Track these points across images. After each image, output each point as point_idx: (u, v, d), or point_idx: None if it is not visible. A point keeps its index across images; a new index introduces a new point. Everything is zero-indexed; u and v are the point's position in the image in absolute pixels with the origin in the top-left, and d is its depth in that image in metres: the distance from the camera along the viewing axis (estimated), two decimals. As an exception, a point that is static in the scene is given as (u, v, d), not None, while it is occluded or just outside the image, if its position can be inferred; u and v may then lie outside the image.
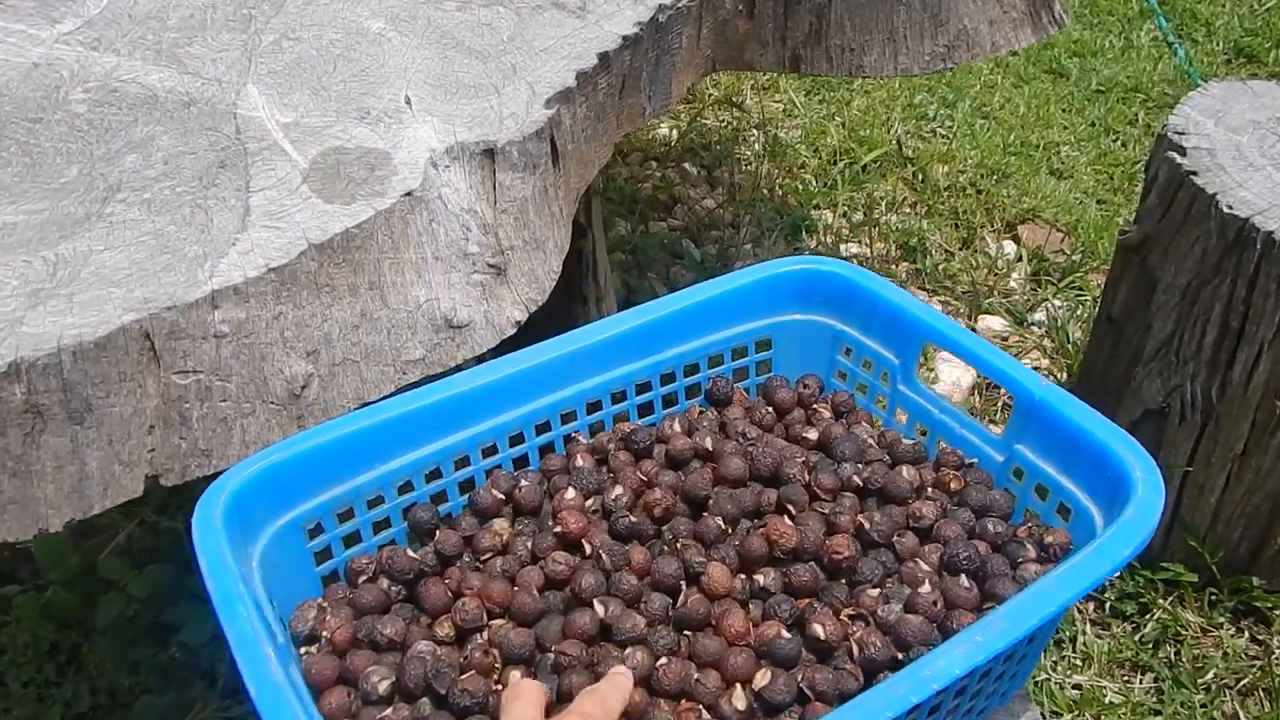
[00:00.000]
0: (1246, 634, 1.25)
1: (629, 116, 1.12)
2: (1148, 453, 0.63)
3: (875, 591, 0.64)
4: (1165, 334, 1.18)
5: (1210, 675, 1.20)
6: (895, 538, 0.68)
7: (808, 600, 0.65)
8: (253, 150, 0.92)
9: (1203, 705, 1.17)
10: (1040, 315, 1.71)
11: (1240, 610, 1.26)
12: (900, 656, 0.60)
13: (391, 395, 0.77)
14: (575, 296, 1.56)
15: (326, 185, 0.89)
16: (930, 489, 0.73)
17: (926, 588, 0.63)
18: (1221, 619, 1.25)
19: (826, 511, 0.70)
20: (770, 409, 0.81)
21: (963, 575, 0.65)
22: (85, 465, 0.78)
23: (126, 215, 0.86)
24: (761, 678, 0.58)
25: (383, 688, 0.63)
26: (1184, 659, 1.22)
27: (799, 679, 0.59)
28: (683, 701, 0.58)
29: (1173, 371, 1.18)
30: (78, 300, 0.78)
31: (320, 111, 0.95)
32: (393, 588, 0.70)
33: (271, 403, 0.83)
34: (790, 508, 0.71)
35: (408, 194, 0.87)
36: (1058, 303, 1.72)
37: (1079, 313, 1.69)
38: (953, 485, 0.72)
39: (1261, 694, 1.19)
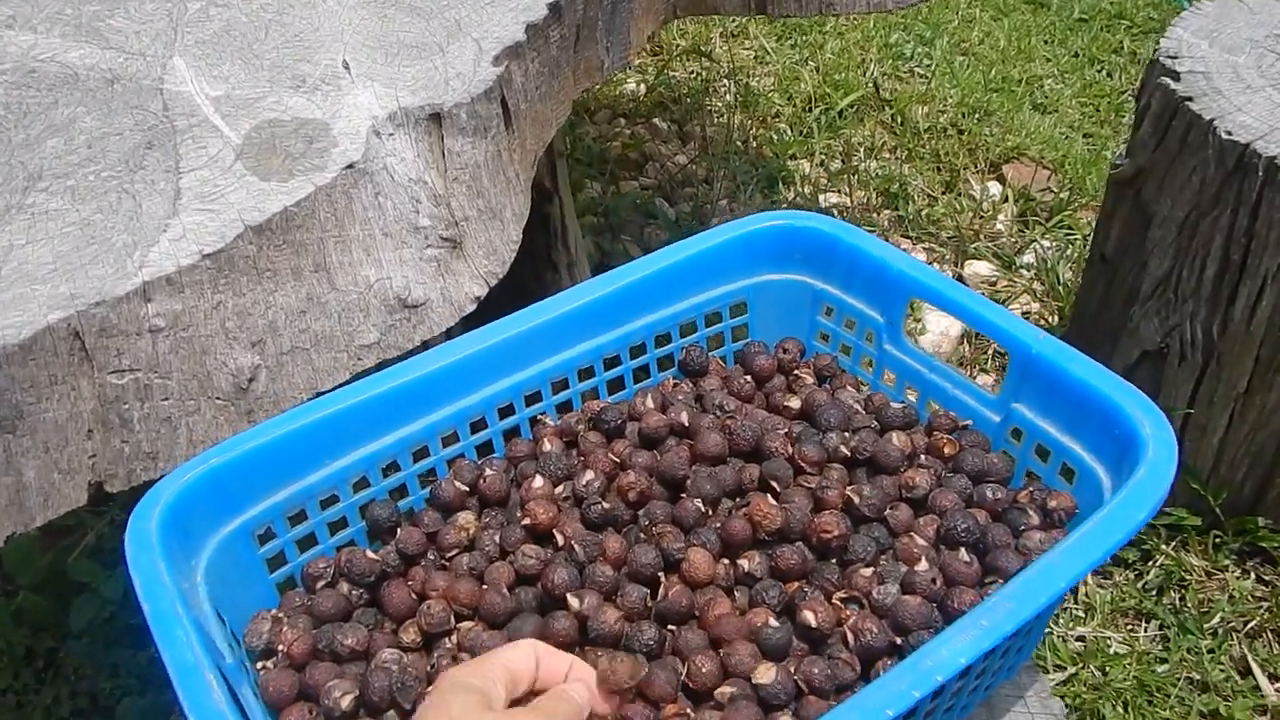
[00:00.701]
0: (1253, 575, 1.21)
1: (586, 71, 1.06)
2: (1156, 405, 0.58)
3: (869, 571, 0.60)
4: (1162, 271, 1.13)
5: (1216, 619, 1.17)
6: (888, 511, 0.64)
7: (797, 584, 0.60)
8: (181, 128, 0.86)
9: (1210, 650, 1.14)
10: (1029, 257, 1.66)
11: (1246, 551, 1.23)
12: (899, 641, 0.56)
13: (343, 384, 0.72)
14: (545, 264, 1.51)
15: (262, 162, 0.82)
16: (923, 455, 0.68)
17: (924, 565, 0.59)
18: (1227, 561, 1.22)
19: (813, 486, 0.65)
20: (749, 377, 0.76)
21: (962, 549, 0.60)
22: (21, 476, 0.73)
23: (49, 205, 0.80)
24: (764, 673, 0.53)
25: (345, 702, 0.58)
26: (1189, 604, 1.19)
27: (792, 672, 0.54)
28: (667, 708, 0.53)
29: (1171, 310, 1.13)
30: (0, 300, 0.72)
31: (252, 82, 0.88)
32: (353, 592, 0.65)
33: (217, 398, 0.77)
34: (774, 484, 0.66)
35: (349, 166, 0.81)
36: (1046, 244, 1.67)
37: (1069, 253, 1.64)
38: (947, 450, 0.68)
39: (1269, 635, 1.16)
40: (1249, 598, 1.19)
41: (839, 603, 0.58)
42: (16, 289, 0.73)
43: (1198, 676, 1.12)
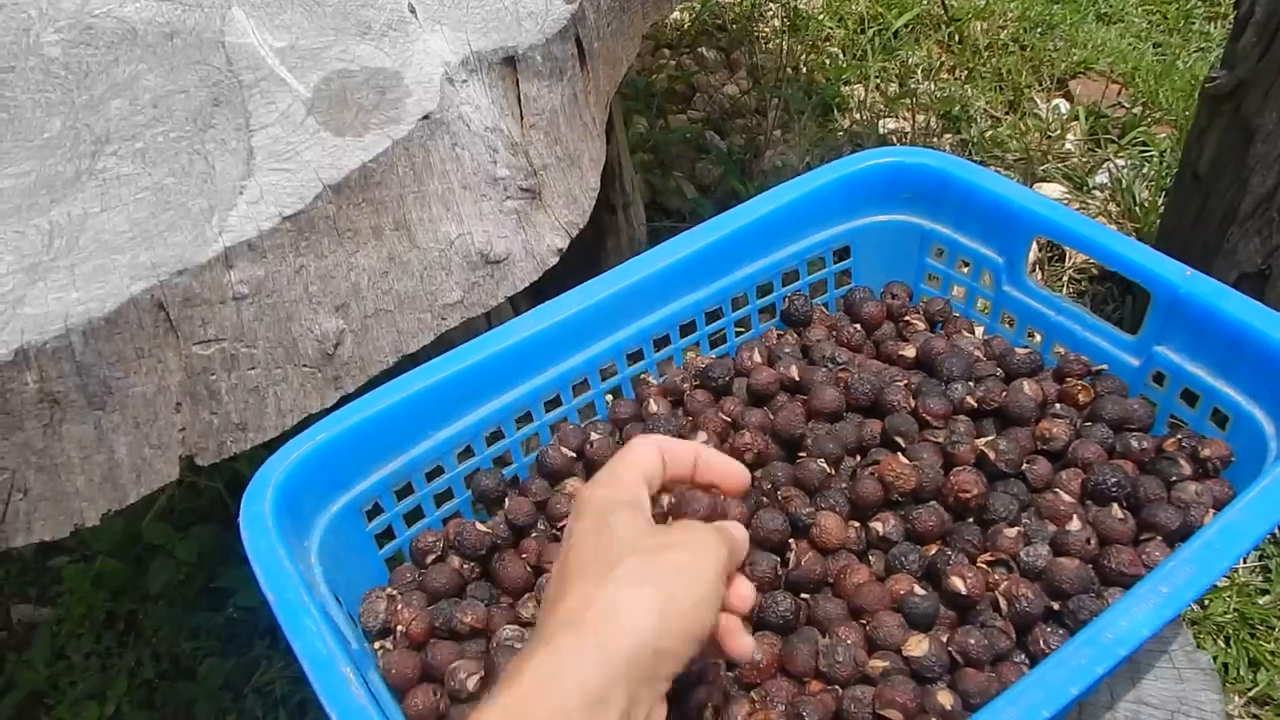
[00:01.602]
0: (1356, 502, 1.17)
1: (655, 3, 1.01)
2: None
3: (1013, 531, 0.56)
4: (1266, 189, 1.07)
5: (1321, 547, 1.13)
6: (1025, 465, 0.60)
7: (935, 547, 0.57)
8: (248, 83, 0.82)
9: (1314, 582, 1.11)
10: (1102, 177, 1.59)
11: (1349, 478, 1.19)
12: (1056, 607, 0.53)
13: (441, 353, 0.69)
14: (601, 206, 1.46)
15: (335, 116, 0.79)
16: (1056, 404, 0.64)
17: (1075, 524, 0.55)
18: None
19: (940, 440, 0.62)
20: (857, 326, 0.72)
21: (1114, 504, 0.56)
22: (114, 452, 0.71)
23: (120, 170, 0.77)
24: (915, 645, 0.50)
25: (471, 684, 0.56)
26: (1291, 534, 1.15)
27: (945, 643, 0.52)
28: (812, 683, 0.51)
29: (1275, 230, 1.08)
30: (80, 272, 0.69)
31: (316, 31, 0.84)
32: (465, 565, 0.63)
33: (304, 365, 0.75)
34: (899, 440, 0.62)
35: (425, 117, 0.77)
36: (1120, 162, 1.60)
37: (1145, 171, 1.57)
38: (1081, 397, 0.64)
39: (1378, 564, 1.13)
40: (1353, 526, 1.15)
41: (985, 566, 0.55)
42: (96, 259, 0.70)
43: (1303, 608, 1.09)
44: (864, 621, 0.54)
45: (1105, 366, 0.65)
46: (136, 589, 1.27)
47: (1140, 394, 0.64)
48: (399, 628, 0.58)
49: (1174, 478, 0.58)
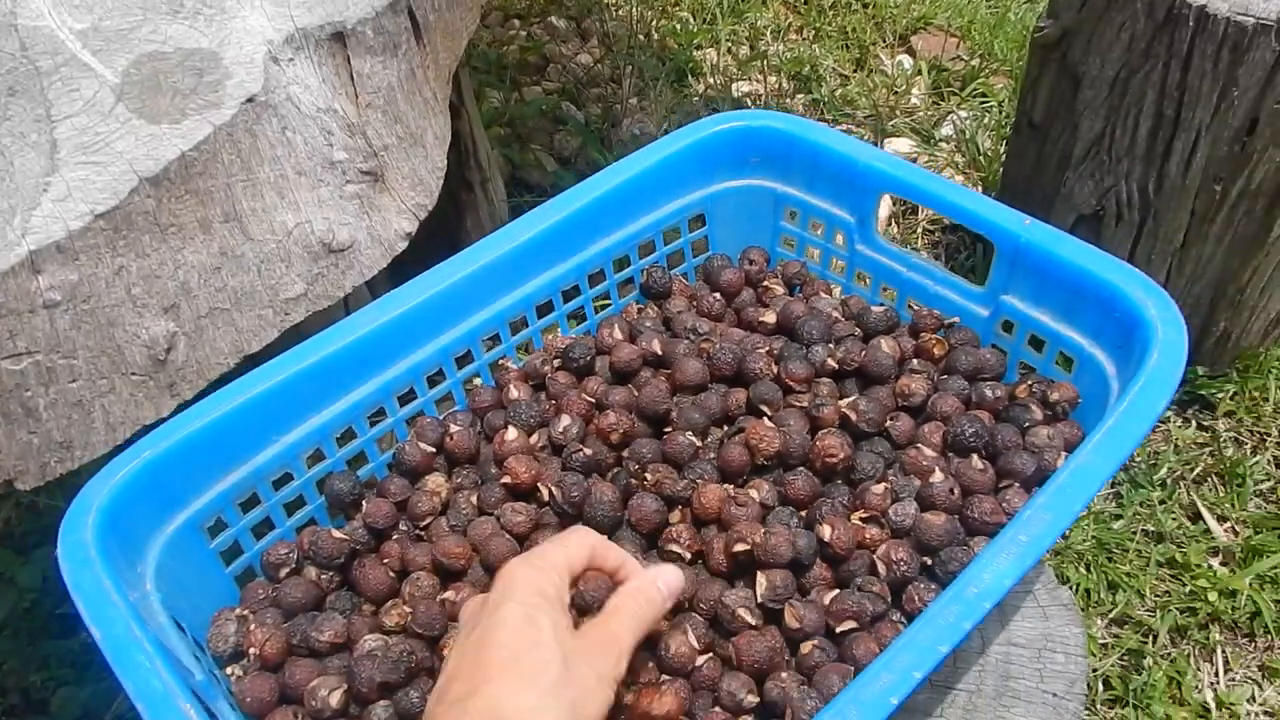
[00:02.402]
0: (1194, 423, 1.24)
1: (492, -29, 0.97)
2: (1157, 284, 0.56)
3: (880, 488, 0.57)
4: (1095, 133, 1.11)
5: (1164, 470, 1.20)
6: (888, 423, 0.61)
7: (808, 509, 0.57)
8: (46, 69, 0.75)
9: (1162, 502, 1.17)
10: (947, 129, 1.64)
11: (1185, 400, 1.26)
12: (929, 562, 0.53)
13: (284, 350, 0.65)
14: (459, 184, 1.42)
15: (148, 102, 0.73)
16: (913, 359, 0.65)
17: (939, 476, 0.56)
18: (1168, 412, 1.24)
19: (805, 405, 0.62)
20: (717, 295, 0.71)
21: (974, 455, 0.57)
22: (-80, 482, 0.65)
23: (-99, 173, 0.70)
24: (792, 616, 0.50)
25: (334, 699, 0.53)
26: (1137, 459, 1.21)
27: (828, 605, 0.52)
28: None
29: (1105, 171, 1.12)
30: None
31: (122, 10, 0.77)
32: (322, 576, 0.59)
33: (133, 374, 0.69)
34: (764, 408, 0.62)
35: (249, 100, 0.72)
36: (963, 114, 1.65)
37: (986, 121, 1.62)
38: (936, 351, 0.64)
39: (1215, 479, 1.20)
40: (1192, 445, 1.22)
41: (859, 523, 0.55)
42: (-126, 276, 0.63)
43: (1152, 528, 1.15)
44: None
45: (957, 319, 0.66)
46: (-27, 621, 1.18)
47: (991, 343, 0.66)
48: (252, 650, 0.55)
49: (1027, 423, 0.59)
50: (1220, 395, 1.25)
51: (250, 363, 0.71)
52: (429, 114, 0.84)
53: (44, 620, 1.17)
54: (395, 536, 0.61)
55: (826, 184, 0.70)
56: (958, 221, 0.63)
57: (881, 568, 0.52)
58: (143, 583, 0.52)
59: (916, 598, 0.52)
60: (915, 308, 0.68)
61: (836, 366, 0.64)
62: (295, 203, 0.75)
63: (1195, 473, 1.20)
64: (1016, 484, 0.56)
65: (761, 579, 0.52)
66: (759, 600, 0.52)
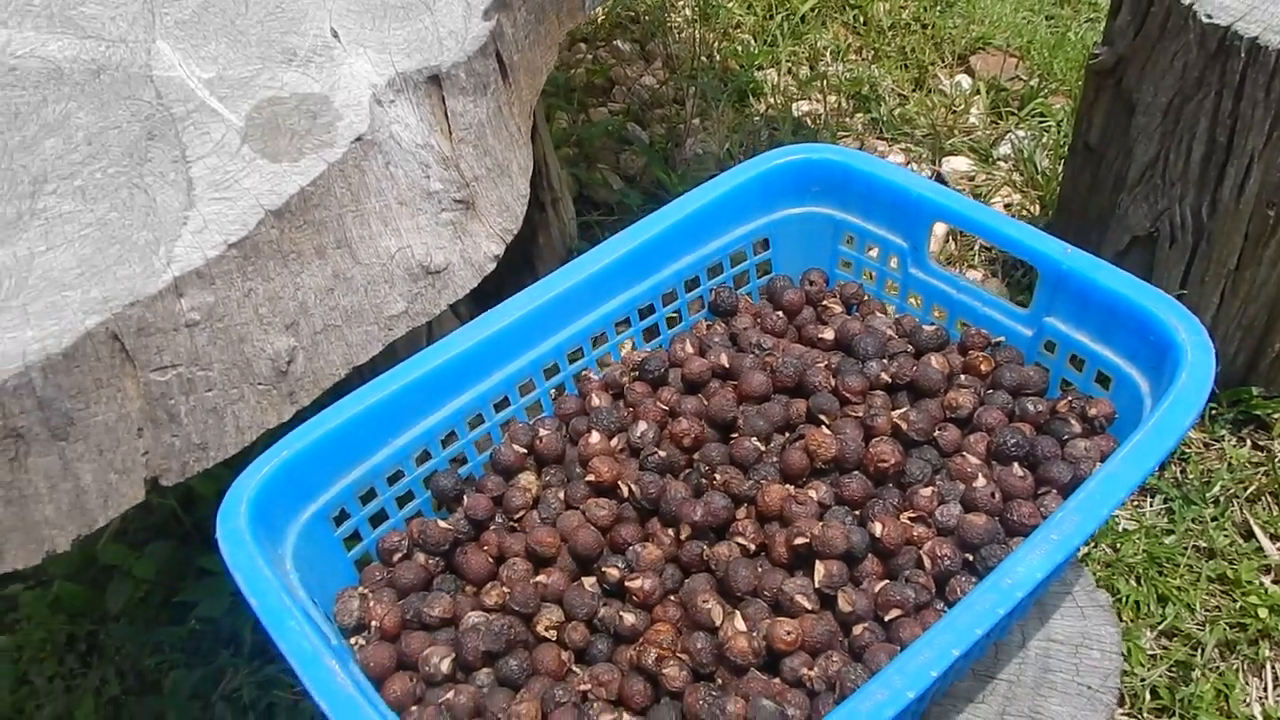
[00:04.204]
0: (1248, 442, 1.27)
1: (569, 12, 1.05)
2: (1188, 311, 0.61)
3: (928, 491, 0.63)
4: (1149, 157, 1.15)
5: (1217, 488, 1.22)
6: (936, 432, 0.67)
7: (862, 508, 0.64)
8: (180, 115, 0.85)
9: (1213, 518, 1.20)
10: (1005, 148, 1.68)
11: (1240, 420, 1.28)
12: (970, 558, 0.59)
13: (388, 362, 0.73)
14: (531, 204, 1.51)
15: (269, 143, 0.82)
16: (961, 375, 0.71)
17: (980, 481, 0.62)
18: (1223, 431, 1.27)
19: (860, 415, 0.68)
20: (779, 312, 0.78)
21: (1014, 464, 0.63)
22: (79, 480, 0.74)
23: (61, 208, 0.79)
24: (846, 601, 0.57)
25: (445, 666, 0.61)
26: (1190, 476, 1.24)
27: (872, 592, 0.58)
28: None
29: (1160, 195, 1.16)
30: (32, 310, 0.72)
31: (243, 60, 0.87)
32: (430, 561, 0.67)
33: (259, 384, 0.78)
34: (823, 417, 0.68)
35: (358, 139, 0.81)
36: (1021, 133, 1.69)
37: (1045, 140, 1.66)
38: (983, 367, 0.70)
39: (1268, 498, 1.22)
40: (1246, 464, 1.24)
41: (908, 521, 0.61)
42: (47, 297, 0.73)
43: (1204, 544, 1.18)
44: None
45: (1003, 339, 0.72)
46: (95, 610, 1.28)
47: (1035, 361, 0.71)
48: (373, 623, 0.63)
49: (1066, 436, 0.64)
50: (1276, 415, 1.27)
51: (357, 373, 0.79)
52: (514, 146, 0.92)
53: (156, 609, 1.26)
54: (493, 527, 0.68)
55: (882, 212, 0.76)
56: (1003, 249, 0.69)
57: (927, 562, 0.59)
58: (284, 563, 0.60)
59: (958, 589, 0.58)
60: (964, 327, 0.74)
61: (890, 380, 0.70)
62: (397, 230, 0.83)
63: (1249, 491, 1.23)
64: (1054, 490, 0.62)
65: (819, 568, 0.58)
66: (816, 586, 0.58)
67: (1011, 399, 0.68)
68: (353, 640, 0.64)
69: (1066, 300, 0.67)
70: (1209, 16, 1.01)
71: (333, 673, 0.51)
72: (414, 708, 0.60)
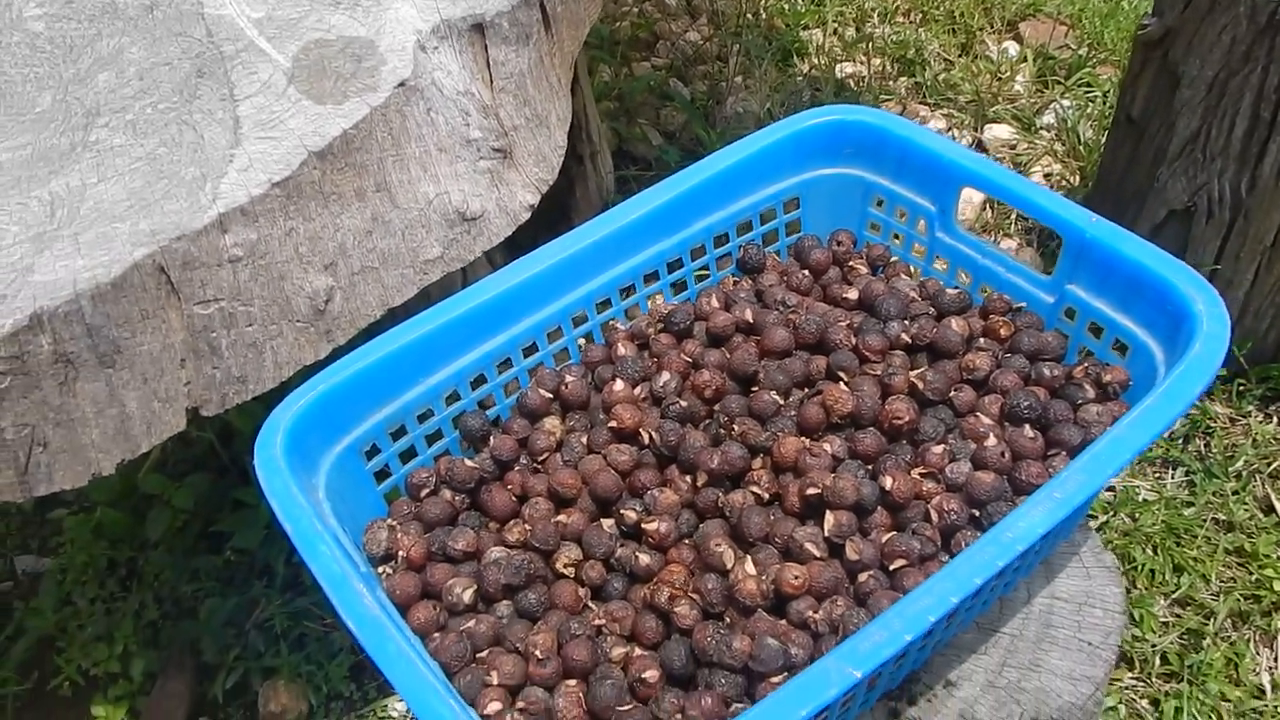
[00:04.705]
0: (1275, 419, 1.27)
1: (615, -35, 1.06)
2: (1207, 282, 0.62)
3: (939, 449, 0.64)
4: (1190, 131, 1.14)
5: (1240, 463, 1.23)
6: (951, 393, 0.68)
7: (875, 463, 0.65)
8: (229, 54, 0.87)
9: (1234, 492, 1.21)
10: (1049, 118, 1.66)
11: (1268, 397, 1.28)
12: (976, 514, 0.61)
13: (421, 305, 0.75)
14: (569, 156, 1.52)
15: (315, 84, 0.84)
16: (980, 338, 0.72)
17: (991, 441, 0.63)
18: (1250, 408, 1.27)
19: (878, 374, 0.69)
20: (805, 271, 0.79)
21: (1026, 425, 0.64)
22: (125, 406, 0.78)
23: (113, 141, 0.82)
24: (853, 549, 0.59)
25: (467, 596, 0.64)
26: (1214, 450, 1.24)
27: (879, 542, 0.60)
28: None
29: (1199, 169, 1.15)
30: (84, 240, 0.75)
31: (292, 1, 0.89)
32: (456, 497, 0.70)
33: (298, 321, 0.81)
34: (841, 375, 0.70)
35: (401, 84, 0.83)
36: (1066, 103, 1.67)
37: (1089, 111, 1.64)
38: (1003, 332, 0.71)
39: (1291, 475, 1.22)
40: (1271, 440, 1.24)
41: (918, 476, 0.63)
42: (98, 228, 0.76)
43: (1223, 517, 1.19)
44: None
45: (1025, 304, 0.73)
46: (136, 537, 1.32)
47: (1055, 328, 0.72)
48: (400, 553, 0.66)
49: (1079, 401, 0.66)
50: (1305, 393, 1.27)
51: (391, 316, 0.81)
52: (554, 97, 0.94)
53: (194, 539, 1.30)
54: (517, 468, 0.71)
55: (912, 175, 0.77)
56: (1030, 215, 0.70)
57: (935, 515, 0.60)
58: (316, 492, 0.63)
59: (963, 543, 0.59)
60: (987, 292, 0.75)
61: (910, 341, 0.71)
62: (436, 176, 0.85)
63: (1272, 467, 1.23)
64: (1064, 453, 0.63)
65: (829, 517, 0.60)
66: (825, 535, 0.60)
67: (1029, 364, 0.69)
68: (380, 569, 0.67)
69: (1088, 268, 0.68)
70: (1260, -11, 1.00)
71: (361, 595, 0.54)
72: (436, 634, 0.63)
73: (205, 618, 1.23)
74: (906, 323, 0.72)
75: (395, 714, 1.16)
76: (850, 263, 0.79)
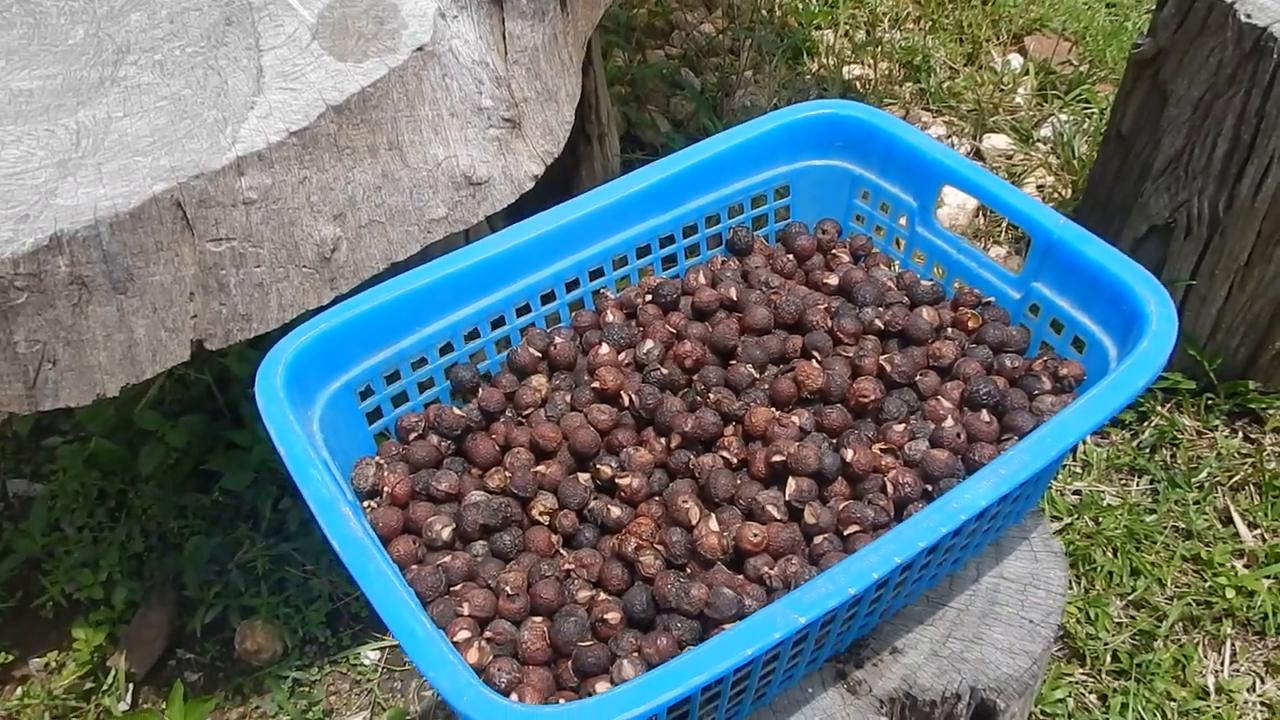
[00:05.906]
0: (1240, 434, 1.31)
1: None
2: (1160, 285, 0.66)
3: (900, 427, 0.68)
4: (1175, 149, 1.18)
5: (1204, 474, 1.27)
6: (917, 377, 0.72)
7: (838, 439, 0.69)
8: (258, 5, 0.90)
9: (1196, 502, 1.25)
10: (1046, 131, 1.70)
11: (1236, 413, 1.32)
12: (929, 489, 0.65)
13: (428, 260, 0.79)
14: (577, 136, 1.55)
15: (337, 42, 0.87)
16: (949, 328, 0.76)
17: (949, 422, 0.67)
18: (1217, 422, 1.31)
19: (850, 355, 0.73)
20: (790, 256, 0.83)
21: (983, 410, 0.68)
22: (133, 333, 0.81)
23: (140, 79, 0.85)
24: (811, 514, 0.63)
25: (445, 534, 0.68)
26: (1180, 461, 1.29)
27: (836, 509, 0.64)
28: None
29: (1181, 186, 1.19)
30: (106, 170, 0.78)
31: (320, -38, 0.92)
32: (442, 443, 0.74)
33: (304, 267, 0.85)
34: (815, 354, 0.74)
35: (419, 49, 0.86)
36: (1064, 117, 1.71)
37: (1085, 126, 1.68)
38: (970, 324, 0.75)
39: (1251, 488, 1.27)
40: (1235, 454, 1.29)
41: (877, 451, 0.67)
42: (120, 160, 0.79)
43: (1183, 525, 1.23)
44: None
45: (993, 300, 0.77)
46: (127, 471, 1.36)
47: (1019, 322, 0.76)
48: (385, 489, 0.70)
49: (1036, 391, 0.70)
50: (1271, 410, 1.31)
51: (393, 270, 0.85)
52: (564, 74, 0.97)
53: (185, 477, 1.34)
54: (502, 419, 0.75)
55: (897, 171, 0.81)
56: (1002, 214, 0.74)
57: (890, 488, 0.64)
58: (310, 424, 0.67)
59: (914, 513, 0.63)
60: (959, 285, 0.79)
61: (883, 327, 0.75)
62: (446, 139, 0.89)
63: (1234, 480, 1.27)
64: (1016, 437, 0.67)
65: (791, 483, 0.64)
66: (786, 499, 0.64)
67: (992, 354, 0.74)
68: (365, 504, 0.71)
69: (1053, 268, 0.72)
70: (1248, 16, 1.04)
71: (346, 518, 0.58)
72: (414, 566, 0.67)
73: (190, 554, 1.26)
74: (881, 309, 0.76)
75: (368, 662, 1.20)
76: (833, 250, 0.83)
